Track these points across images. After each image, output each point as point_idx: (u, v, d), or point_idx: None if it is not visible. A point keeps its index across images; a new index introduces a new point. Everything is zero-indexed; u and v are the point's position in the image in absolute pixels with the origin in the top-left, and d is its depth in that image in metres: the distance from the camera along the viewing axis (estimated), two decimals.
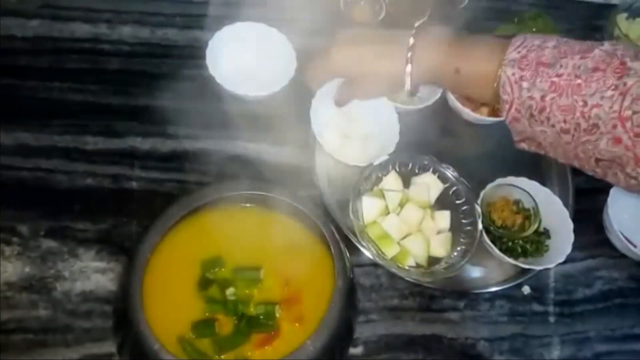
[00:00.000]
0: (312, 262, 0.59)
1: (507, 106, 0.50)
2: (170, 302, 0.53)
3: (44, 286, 0.60)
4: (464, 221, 0.68)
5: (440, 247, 0.67)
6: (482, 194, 0.69)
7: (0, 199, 0.64)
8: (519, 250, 0.68)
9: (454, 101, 0.76)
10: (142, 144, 0.71)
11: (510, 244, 0.68)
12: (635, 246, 0.70)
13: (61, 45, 0.77)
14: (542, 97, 0.47)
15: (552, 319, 0.67)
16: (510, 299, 0.68)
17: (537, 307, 0.68)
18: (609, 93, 0.44)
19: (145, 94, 0.74)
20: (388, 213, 0.67)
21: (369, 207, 0.67)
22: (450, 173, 0.70)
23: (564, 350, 0.65)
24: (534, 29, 0.87)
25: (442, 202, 0.69)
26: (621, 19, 0.90)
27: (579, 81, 0.46)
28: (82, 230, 0.64)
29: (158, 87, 0.75)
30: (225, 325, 0.54)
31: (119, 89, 0.74)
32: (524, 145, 0.53)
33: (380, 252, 0.64)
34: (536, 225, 0.68)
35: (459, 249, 0.67)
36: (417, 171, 0.71)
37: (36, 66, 0.75)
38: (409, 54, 0.54)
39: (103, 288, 0.60)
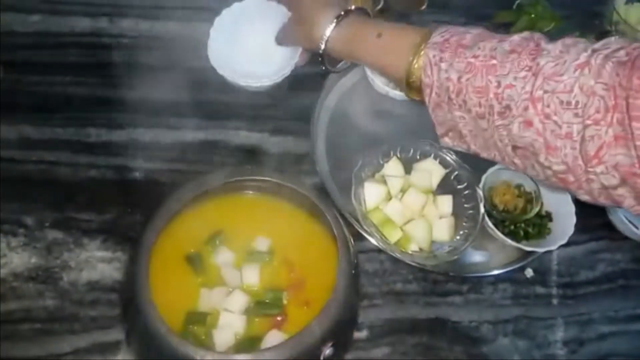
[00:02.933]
0: (316, 248, 0.59)
1: (428, 90, 0.49)
2: (176, 287, 0.54)
3: (50, 276, 0.60)
4: (466, 205, 0.68)
5: (442, 231, 0.67)
6: (483, 178, 0.69)
7: (5, 192, 0.64)
8: (522, 233, 0.68)
9: None
10: (144, 135, 0.71)
11: (512, 227, 0.68)
12: (637, 228, 0.70)
13: (62, 40, 0.77)
14: (459, 79, 0.46)
15: (555, 301, 0.68)
16: (514, 282, 0.68)
17: (540, 290, 0.68)
18: (522, 74, 0.44)
19: (146, 87, 0.74)
20: (390, 199, 0.68)
21: (371, 193, 0.67)
22: (451, 158, 0.70)
23: (568, 332, 0.66)
24: (532, 15, 0.88)
25: (444, 187, 0.70)
26: (620, 3, 0.90)
27: (494, 62, 0.45)
28: (87, 220, 0.64)
29: (159, 79, 0.75)
30: None
31: (120, 82, 0.74)
32: (447, 141, 0.53)
33: (383, 238, 0.65)
34: (538, 208, 0.68)
35: (461, 233, 0.67)
36: (418, 157, 0.71)
37: (37, 61, 0.75)
38: (339, 12, 0.56)
39: (109, 277, 0.61)
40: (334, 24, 0.56)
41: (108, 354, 0.57)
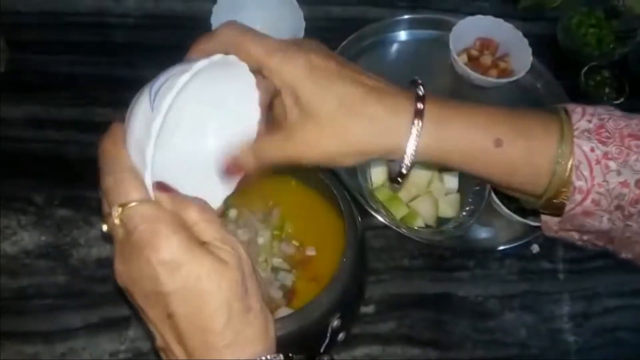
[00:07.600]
0: (324, 225, 0.59)
1: (579, 197, 0.35)
2: None
3: (60, 253, 0.61)
4: (472, 181, 0.68)
5: (448, 207, 0.67)
6: None
7: (14, 170, 0.65)
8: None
9: (461, 65, 0.76)
10: None
11: (518, 203, 0.68)
12: None
13: (66, 20, 0.77)
14: (637, 183, 0.35)
15: (561, 276, 0.68)
16: (520, 257, 0.68)
17: (546, 265, 0.68)
18: None
19: (151, 66, 0.73)
20: None
21: (377, 171, 0.67)
22: None
23: (574, 306, 0.66)
24: None
25: None
26: None
27: None
28: (96, 199, 0.64)
29: (164, 58, 0.74)
30: None
31: (125, 61, 0.75)
32: (562, 235, 0.40)
33: (389, 214, 0.65)
34: None
35: (467, 209, 0.67)
36: None
37: (42, 40, 0.75)
38: (419, 105, 0.35)
39: None
40: (415, 127, 0.35)
41: (118, 329, 0.58)
